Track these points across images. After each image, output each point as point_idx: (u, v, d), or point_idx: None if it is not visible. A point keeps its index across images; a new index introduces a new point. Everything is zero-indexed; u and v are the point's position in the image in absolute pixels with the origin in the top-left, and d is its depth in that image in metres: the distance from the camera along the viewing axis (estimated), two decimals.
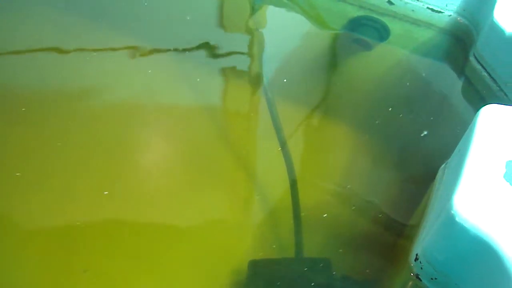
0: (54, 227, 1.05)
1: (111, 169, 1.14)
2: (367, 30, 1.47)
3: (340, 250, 1.04)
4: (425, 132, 1.21)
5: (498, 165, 0.80)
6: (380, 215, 1.09)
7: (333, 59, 1.43)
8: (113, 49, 1.39)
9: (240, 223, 1.10)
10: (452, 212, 0.75)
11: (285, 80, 1.35)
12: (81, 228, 1.04)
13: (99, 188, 1.10)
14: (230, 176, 1.15)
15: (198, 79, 1.34)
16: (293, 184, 1.12)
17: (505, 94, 1.19)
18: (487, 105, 0.88)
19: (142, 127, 1.24)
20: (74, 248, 1.02)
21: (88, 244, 1.03)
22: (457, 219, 0.75)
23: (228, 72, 1.39)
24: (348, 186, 1.13)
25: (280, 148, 1.18)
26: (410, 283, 0.91)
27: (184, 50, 1.40)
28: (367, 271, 1.01)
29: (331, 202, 1.12)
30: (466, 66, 1.33)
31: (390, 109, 1.27)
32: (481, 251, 0.75)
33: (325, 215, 1.08)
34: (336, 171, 1.18)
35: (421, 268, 0.87)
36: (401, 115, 1.25)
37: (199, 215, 1.09)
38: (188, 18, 1.51)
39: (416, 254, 0.88)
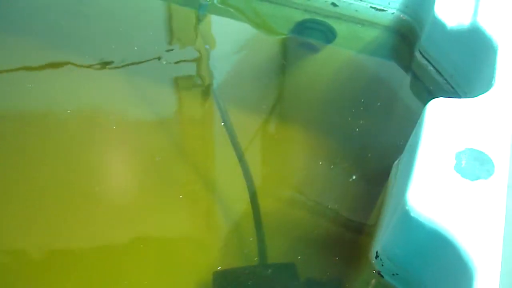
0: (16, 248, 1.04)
1: (67, 188, 1.12)
2: (313, 33, 1.48)
3: (304, 253, 1.04)
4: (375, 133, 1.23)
5: (448, 157, 0.81)
6: (340, 215, 1.10)
7: (282, 64, 1.43)
8: (57, 66, 1.37)
9: (203, 235, 1.09)
10: (407, 207, 0.76)
11: (236, 88, 1.35)
12: (43, 247, 1.03)
13: (55, 208, 1.08)
14: (189, 189, 1.14)
15: (150, 93, 1.33)
16: (252, 191, 1.12)
17: (452, 87, 1.22)
18: (433, 100, 0.89)
19: (97, 144, 1.22)
20: (36, 269, 1.01)
21: (50, 262, 1.02)
22: (412, 214, 0.76)
23: (179, 84, 1.38)
24: (307, 189, 1.14)
25: (236, 156, 1.18)
26: (373, 280, 0.92)
27: (133, 63, 1.39)
28: (331, 271, 1.01)
29: (291, 206, 1.12)
30: (412, 62, 1.35)
31: (342, 109, 1.28)
32: (438, 244, 0.76)
33: (287, 220, 1.09)
34: (294, 175, 1.18)
35: (382, 265, 0.88)
36: (353, 115, 1.26)
37: (161, 229, 1.08)
38: (137, 32, 1.50)
39: (376, 252, 0.88)
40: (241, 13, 1.56)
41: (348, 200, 1.12)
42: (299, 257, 1.03)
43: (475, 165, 0.81)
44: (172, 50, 1.45)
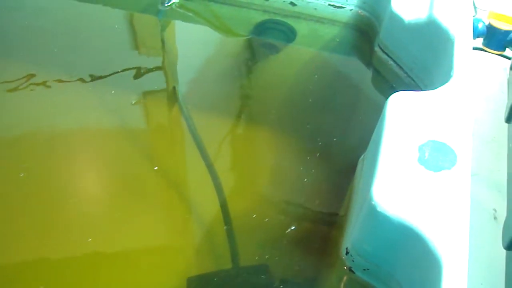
0: None
1: (37, 203, 1.11)
2: (273, 33, 1.48)
3: (276, 253, 1.04)
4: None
5: (411, 150, 0.82)
6: (310, 213, 1.10)
7: (245, 65, 1.43)
8: (20, 81, 1.35)
9: (175, 242, 1.09)
10: (373, 203, 0.77)
11: (202, 93, 1.35)
12: (14, 260, 1.02)
13: (26, 221, 1.07)
14: (160, 197, 1.14)
15: (117, 103, 1.32)
16: (222, 195, 1.12)
17: (413, 80, 1.23)
18: (394, 94, 0.90)
19: (65, 157, 1.21)
20: (6, 281, 1.00)
21: (22, 274, 1.01)
22: (378, 209, 0.76)
23: (146, 92, 1.37)
24: (276, 189, 1.14)
25: (204, 161, 1.17)
26: (345, 277, 0.92)
27: (98, 74, 1.38)
28: (305, 270, 1.02)
29: (262, 207, 1.12)
30: (373, 57, 1.36)
31: (307, 107, 1.28)
32: (405, 237, 0.76)
33: (258, 221, 1.08)
34: (263, 176, 1.19)
35: (353, 261, 0.88)
36: (318, 112, 1.27)
37: (133, 238, 1.07)
38: (100, 43, 1.48)
39: (346, 248, 0.89)
40: (201, 16, 1.55)
41: (318, 197, 1.13)
42: (272, 258, 1.03)
43: (438, 156, 0.81)
44: (136, 58, 1.45)
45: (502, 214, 1.33)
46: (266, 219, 1.10)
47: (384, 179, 0.78)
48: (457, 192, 0.77)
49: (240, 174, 1.20)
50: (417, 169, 0.79)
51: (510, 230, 1.21)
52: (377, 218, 0.77)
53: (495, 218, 1.39)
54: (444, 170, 0.79)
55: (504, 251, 1.25)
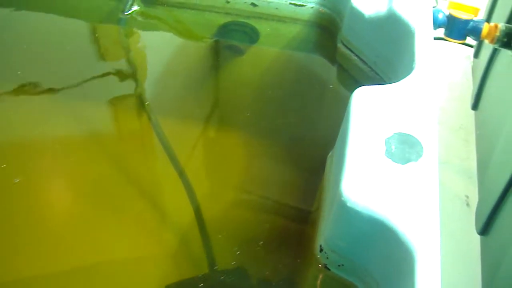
0: None
1: (6, 220, 1.09)
2: (236, 35, 1.48)
3: (253, 255, 1.04)
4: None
5: (378, 144, 0.82)
6: (284, 212, 1.11)
7: (210, 69, 1.43)
8: None
9: (151, 251, 1.08)
10: (342, 199, 0.77)
11: (170, 99, 1.34)
12: None
13: None
14: (132, 207, 1.13)
15: (85, 114, 1.31)
16: (195, 201, 1.12)
17: (377, 73, 1.24)
18: (357, 88, 0.91)
19: (34, 169, 1.19)
20: None
21: None
22: (348, 204, 0.77)
23: (113, 102, 1.36)
24: (249, 190, 1.14)
25: (174, 168, 1.17)
26: (321, 274, 0.92)
27: (63, 86, 1.36)
28: (281, 269, 1.02)
29: (235, 209, 1.13)
30: (336, 53, 1.37)
31: (274, 106, 1.29)
32: (377, 231, 0.77)
33: (233, 224, 1.09)
34: (235, 178, 1.18)
35: (327, 258, 0.88)
36: (286, 110, 1.28)
37: (107, 250, 1.06)
38: (64, 55, 1.47)
39: (320, 245, 0.89)
40: (163, 22, 1.55)
41: (291, 196, 1.13)
42: (249, 259, 1.03)
43: (405, 148, 0.82)
44: (101, 67, 1.43)
45: (474, 200, 1.35)
46: (241, 221, 1.10)
47: (352, 174, 0.79)
48: (425, 183, 0.78)
49: (212, 178, 1.20)
50: (385, 163, 0.80)
51: (483, 215, 1.22)
52: (347, 214, 0.77)
53: (467, 204, 1.41)
54: (411, 162, 0.80)
55: (478, 236, 1.27)
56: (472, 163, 1.43)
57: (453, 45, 1.70)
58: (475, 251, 1.26)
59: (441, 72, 1.73)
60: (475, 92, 1.49)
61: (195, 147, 1.24)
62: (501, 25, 1.18)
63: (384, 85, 0.92)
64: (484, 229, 1.21)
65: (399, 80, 0.94)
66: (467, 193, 1.42)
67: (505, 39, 1.17)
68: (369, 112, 0.87)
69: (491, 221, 1.18)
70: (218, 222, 1.09)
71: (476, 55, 1.58)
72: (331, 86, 1.37)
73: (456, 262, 1.29)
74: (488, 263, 1.19)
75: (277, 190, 1.14)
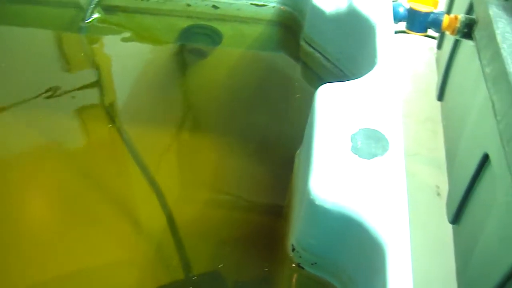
0: None
1: None
2: (199, 38, 1.48)
3: (228, 256, 1.04)
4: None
5: (344, 140, 0.82)
6: (256, 212, 1.11)
7: (176, 73, 1.43)
8: None
9: (126, 260, 1.07)
10: (311, 197, 0.77)
11: (137, 106, 1.33)
12: None
13: None
14: (104, 217, 1.12)
15: (52, 126, 1.29)
16: (167, 208, 1.11)
17: (341, 70, 1.24)
18: (321, 86, 0.91)
19: (3, 184, 1.17)
20: None
21: None
22: (317, 202, 0.77)
23: (80, 111, 1.34)
24: (221, 192, 1.14)
25: (145, 176, 1.16)
26: (296, 274, 0.92)
27: (31, 98, 1.34)
28: (256, 270, 1.02)
29: (208, 212, 1.12)
30: (300, 52, 1.37)
31: (242, 107, 1.29)
32: (348, 227, 0.77)
33: (206, 227, 1.08)
34: (206, 180, 1.18)
35: (300, 257, 0.88)
36: (253, 111, 1.28)
37: (81, 261, 1.04)
38: (27, 66, 1.44)
39: (292, 245, 0.89)
40: (125, 29, 1.53)
41: (263, 196, 1.14)
42: (223, 261, 1.02)
43: (370, 143, 0.82)
44: (66, 77, 1.42)
45: (445, 190, 1.36)
46: (214, 223, 1.10)
47: (319, 172, 0.79)
48: (392, 177, 0.79)
49: (183, 182, 1.20)
50: (351, 159, 0.80)
51: (453, 204, 1.24)
52: (317, 212, 0.77)
53: (438, 194, 1.42)
54: (377, 157, 0.80)
55: (450, 225, 1.28)
56: (441, 154, 1.44)
57: (416, 38, 1.72)
58: (448, 240, 1.27)
59: (406, 64, 1.75)
60: (439, 83, 1.51)
61: (165, 153, 1.24)
62: (461, 16, 1.20)
63: (347, 81, 0.92)
64: (455, 218, 1.23)
65: (362, 76, 0.94)
66: (437, 183, 1.44)
67: (466, 30, 1.19)
68: (334, 109, 0.87)
69: (461, 210, 1.20)
70: (191, 226, 1.09)
71: (439, 46, 1.60)
72: (296, 85, 1.37)
73: (430, 252, 1.30)
74: (460, 252, 1.21)
75: (248, 190, 1.15)
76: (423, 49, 1.77)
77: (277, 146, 1.22)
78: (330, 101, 0.88)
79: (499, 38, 1.03)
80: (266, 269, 1.02)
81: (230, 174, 1.18)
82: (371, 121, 0.85)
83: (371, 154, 0.81)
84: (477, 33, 1.16)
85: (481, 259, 1.04)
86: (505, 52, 0.99)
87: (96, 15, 1.53)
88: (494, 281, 0.93)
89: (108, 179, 1.19)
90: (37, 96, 1.34)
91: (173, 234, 1.07)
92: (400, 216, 0.74)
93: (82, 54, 1.51)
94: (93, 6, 1.51)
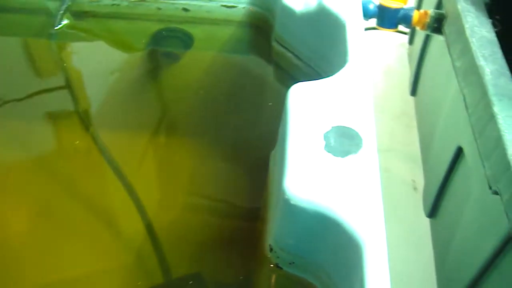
0: None
1: None
2: (171, 41, 1.47)
3: (207, 259, 1.04)
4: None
5: (317, 139, 0.82)
6: (234, 214, 1.12)
7: (148, 78, 1.42)
8: None
9: (106, 268, 1.06)
10: (286, 197, 0.77)
11: (111, 113, 1.32)
12: None
13: None
14: (83, 226, 1.11)
15: (25, 132, 1.28)
16: (144, 214, 1.11)
17: (313, 69, 1.25)
18: (293, 86, 0.91)
19: None
20: None
21: None
22: (292, 202, 0.77)
23: (53, 118, 1.33)
24: (199, 195, 1.14)
25: (122, 182, 1.15)
26: (274, 274, 0.92)
27: (2, 105, 1.33)
28: (236, 272, 1.02)
29: (186, 216, 1.12)
30: (271, 52, 1.37)
31: (217, 110, 1.29)
32: (324, 226, 0.77)
33: (184, 230, 1.09)
34: (183, 184, 1.18)
35: (278, 257, 0.88)
36: (227, 113, 1.28)
37: (61, 271, 1.04)
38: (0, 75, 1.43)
39: (270, 245, 0.89)
40: (95, 34, 1.52)
41: (240, 197, 1.14)
42: (203, 264, 1.03)
43: (344, 141, 0.83)
44: (38, 84, 1.40)
45: (421, 184, 1.37)
46: (193, 226, 1.10)
47: (294, 172, 0.79)
48: (367, 173, 0.79)
49: (160, 188, 1.19)
50: (325, 157, 0.80)
51: (430, 198, 1.24)
52: (293, 211, 0.78)
53: (415, 188, 1.43)
54: (351, 154, 0.81)
55: (428, 219, 1.29)
56: (416, 148, 1.45)
57: (388, 34, 1.72)
58: (426, 234, 1.28)
59: (379, 60, 1.76)
60: (412, 78, 1.52)
61: (140, 158, 1.23)
62: (431, 11, 1.20)
63: (319, 80, 0.92)
64: (432, 212, 1.24)
65: (334, 74, 0.94)
66: (413, 178, 1.45)
67: (436, 25, 1.20)
68: (306, 108, 0.87)
69: (438, 203, 1.21)
70: (170, 231, 1.09)
71: (411, 41, 1.61)
72: (269, 85, 1.37)
73: (408, 246, 1.31)
74: (438, 245, 1.21)
75: (225, 193, 1.15)
76: (395, 45, 1.78)
77: (252, 147, 1.22)
78: (302, 101, 0.88)
79: (468, 32, 1.04)
80: (246, 270, 1.02)
81: (207, 177, 1.18)
82: (344, 119, 0.85)
83: (345, 152, 0.81)
84: (446, 27, 1.17)
85: (458, 252, 1.05)
86: (474, 46, 1.00)
87: (66, 21, 1.51)
88: (472, 273, 0.94)
89: (84, 187, 1.18)
90: (8, 103, 1.33)
91: (152, 239, 1.07)
92: (375, 212, 0.75)
93: (53, 61, 1.49)
94: (63, 12, 1.49)
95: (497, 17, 1.08)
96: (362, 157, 0.80)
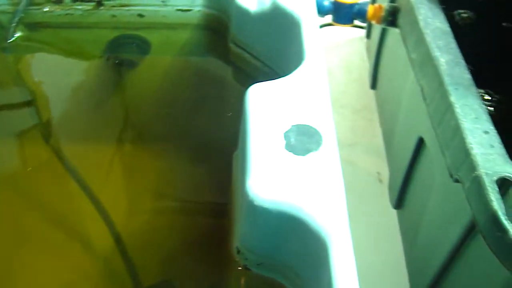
0: None
1: None
2: (127, 48, 1.46)
3: (176, 265, 1.04)
4: None
5: (277, 139, 0.82)
6: (201, 217, 1.11)
7: (107, 86, 1.41)
8: None
9: (74, 281, 1.05)
10: (250, 198, 0.77)
11: (73, 124, 1.31)
12: None
13: None
14: (50, 241, 1.10)
15: None
16: (111, 224, 1.09)
17: (271, 68, 1.25)
18: (251, 86, 0.91)
19: None
20: None
21: None
22: (256, 203, 0.76)
23: (14, 133, 1.31)
24: (165, 201, 1.14)
25: (87, 195, 1.14)
26: (244, 276, 0.92)
27: None
28: (206, 276, 1.02)
29: (154, 223, 1.11)
30: (229, 53, 1.36)
31: (177, 114, 1.28)
32: (289, 224, 0.77)
33: (152, 238, 1.08)
34: (150, 192, 1.17)
35: (246, 259, 0.88)
36: (189, 116, 1.27)
37: (31, 286, 1.03)
38: None
39: (237, 247, 0.88)
40: (50, 45, 1.50)
41: (207, 200, 1.14)
42: (173, 270, 1.03)
43: (304, 139, 0.83)
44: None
45: (386, 176, 1.38)
46: (161, 233, 1.09)
47: (256, 172, 0.79)
48: (328, 170, 0.79)
49: (126, 196, 1.18)
50: (286, 156, 0.80)
51: (395, 190, 1.26)
52: (257, 212, 0.77)
53: (380, 181, 1.45)
54: (312, 152, 0.81)
55: (395, 210, 1.30)
56: (379, 141, 1.47)
57: (346, 29, 1.73)
58: (394, 226, 1.29)
59: (338, 56, 1.77)
60: (371, 72, 1.53)
61: (105, 168, 1.22)
62: (386, 5, 1.21)
63: (276, 80, 0.92)
64: (398, 203, 1.25)
65: (291, 72, 0.94)
66: (378, 170, 1.46)
67: (390, 18, 1.21)
68: (265, 108, 0.87)
69: (403, 194, 1.22)
70: (139, 238, 1.08)
71: (368, 35, 1.62)
72: (229, 87, 1.37)
73: (377, 239, 1.32)
74: (406, 236, 1.23)
75: (192, 196, 1.15)
76: (353, 39, 1.80)
77: (216, 149, 1.22)
78: (260, 101, 0.88)
79: (421, 24, 1.05)
80: (216, 273, 1.02)
81: (173, 182, 1.18)
82: (303, 117, 0.85)
83: (306, 150, 0.81)
84: (401, 20, 1.18)
85: (425, 241, 1.06)
86: (428, 37, 1.01)
87: (19, 34, 1.48)
88: (439, 262, 0.95)
89: (49, 200, 1.16)
90: None
91: (120, 249, 1.06)
92: (339, 208, 0.75)
93: (10, 74, 1.47)
94: (15, 24, 1.47)
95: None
96: (323, 154, 0.81)
